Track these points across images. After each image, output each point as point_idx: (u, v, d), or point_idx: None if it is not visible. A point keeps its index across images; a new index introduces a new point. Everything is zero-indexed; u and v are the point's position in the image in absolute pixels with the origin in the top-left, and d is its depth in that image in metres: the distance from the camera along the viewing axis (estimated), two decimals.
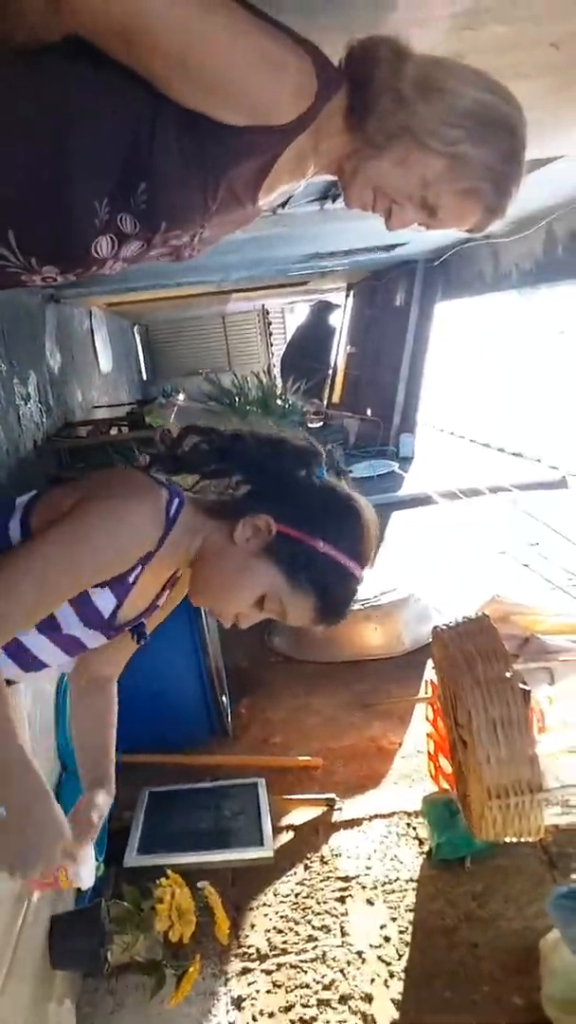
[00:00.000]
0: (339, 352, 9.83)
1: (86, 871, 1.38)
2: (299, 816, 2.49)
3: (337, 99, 1.05)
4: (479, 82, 1.06)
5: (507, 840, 1.91)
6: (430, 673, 2.52)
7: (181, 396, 8.99)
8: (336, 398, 9.54)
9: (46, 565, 1.00)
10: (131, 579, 1.10)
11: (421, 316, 7.45)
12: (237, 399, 7.48)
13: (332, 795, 2.54)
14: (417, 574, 4.15)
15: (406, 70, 1.03)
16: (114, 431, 6.45)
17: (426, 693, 2.56)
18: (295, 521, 1.09)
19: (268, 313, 14.59)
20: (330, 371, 9.96)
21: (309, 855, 2.31)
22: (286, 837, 2.39)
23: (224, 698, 2.93)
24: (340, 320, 10.11)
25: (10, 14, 0.91)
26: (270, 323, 14.80)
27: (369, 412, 8.13)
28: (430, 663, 2.54)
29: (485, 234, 1.29)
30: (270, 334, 14.80)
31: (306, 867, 2.27)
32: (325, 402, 9.67)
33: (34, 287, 1.16)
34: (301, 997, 1.86)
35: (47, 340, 6.12)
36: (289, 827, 2.43)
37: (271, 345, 14.70)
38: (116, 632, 1.17)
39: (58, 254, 1.07)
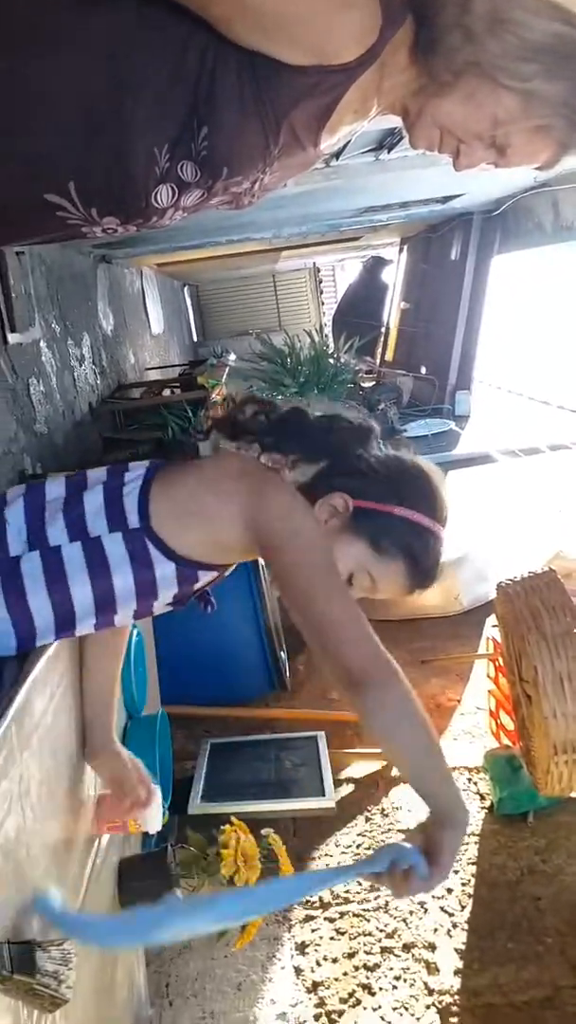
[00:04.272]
0: (392, 309, 9.66)
1: (153, 815, 1.42)
2: (358, 770, 2.51)
3: (401, 34, 1.01)
4: (552, 12, 1.00)
5: (573, 795, 1.90)
6: (491, 631, 2.50)
7: (232, 357, 8.96)
8: (389, 356, 9.41)
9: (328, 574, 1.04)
10: None
11: (477, 270, 7.27)
12: (288, 359, 7.42)
13: None
14: (475, 533, 4.10)
15: (474, 3, 0.98)
16: (166, 392, 6.47)
17: (487, 650, 2.54)
18: (369, 493, 1.11)
19: (319, 271, 14.40)
20: (383, 328, 9.81)
21: (369, 808, 2.34)
22: (346, 790, 2.41)
23: (282, 653, 2.95)
24: (393, 276, 9.93)
25: None
26: (321, 281, 14.62)
27: (423, 370, 8.01)
28: (490, 621, 2.52)
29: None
30: (321, 292, 14.63)
31: (367, 819, 2.29)
32: (378, 360, 9.55)
33: (95, 239, 1.15)
34: (364, 944, 1.89)
35: (99, 302, 6.14)
36: (349, 780, 2.46)
37: (322, 304, 14.53)
38: (186, 603, 1.19)
39: (118, 204, 1.05)
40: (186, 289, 13.03)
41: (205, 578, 1.13)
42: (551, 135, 1.06)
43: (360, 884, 2.06)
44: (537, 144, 1.07)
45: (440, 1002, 1.73)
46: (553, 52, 0.98)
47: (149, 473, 1.13)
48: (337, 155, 3.87)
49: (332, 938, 1.92)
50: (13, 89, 0.94)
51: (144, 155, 0.99)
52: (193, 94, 0.97)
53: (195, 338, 13.46)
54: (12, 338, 3.83)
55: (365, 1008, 1.74)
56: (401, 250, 9.55)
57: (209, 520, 1.09)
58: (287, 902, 1.04)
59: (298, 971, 1.84)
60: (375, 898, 2.01)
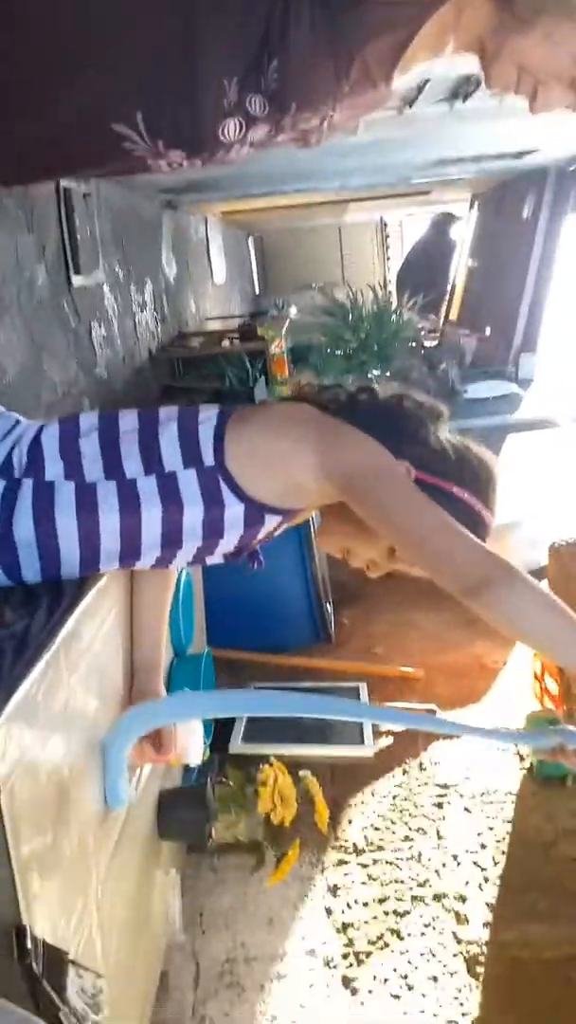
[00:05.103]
0: (459, 267, 9.45)
1: (194, 748, 1.45)
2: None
3: None
4: None
5: None
6: None
7: (293, 309, 8.88)
8: (454, 315, 9.22)
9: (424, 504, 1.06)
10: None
11: (550, 229, 7.04)
12: (350, 314, 7.31)
13: (432, 706, 2.57)
14: (531, 499, 4.03)
15: None
16: (226, 343, 6.47)
17: None
18: (432, 467, 1.14)
19: (386, 226, 14.12)
20: (449, 287, 9.60)
21: (407, 761, 2.36)
22: (385, 742, 2.44)
23: (328, 605, 2.97)
24: (461, 233, 9.69)
25: None
26: (387, 236, 14.33)
27: (488, 331, 7.83)
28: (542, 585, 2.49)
29: None
30: (387, 247, 14.35)
31: (404, 772, 2.31)
32: (442, 319, 9.36)
33: (160, 173, 1.15)
34: (395, 891, 1.92)
35: (163, 248, 6.13)
36: (389, 733, 2.48)
37: (387, 259, 14.26)
38: (242, 554, 1.22)
39: (185, 137, 1.05)
40: (250, 239, 12.90)
41: (270, 523, 1.15)
42: None
43: (394, 833, 2.09)
44: None
45: (467, 951, 1.76)
46: None
47: (222, 414, 1.15)
48: (411, 103, 3.75)
49: (364, 883, 1.95)
50: (84, 19, 0.94)
51: (212, 87, 0.98)
52: (265, 26, 0.96)
53: (257, 290, 13.35)
54: (76, 280, 3.85)
55: (393, 951, 1.78)
56: (471, 206, 9.30)
57: (281, 463, 1.11)
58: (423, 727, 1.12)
59: (328, 912, 1.88)
60: (408, 847, 2.04)
